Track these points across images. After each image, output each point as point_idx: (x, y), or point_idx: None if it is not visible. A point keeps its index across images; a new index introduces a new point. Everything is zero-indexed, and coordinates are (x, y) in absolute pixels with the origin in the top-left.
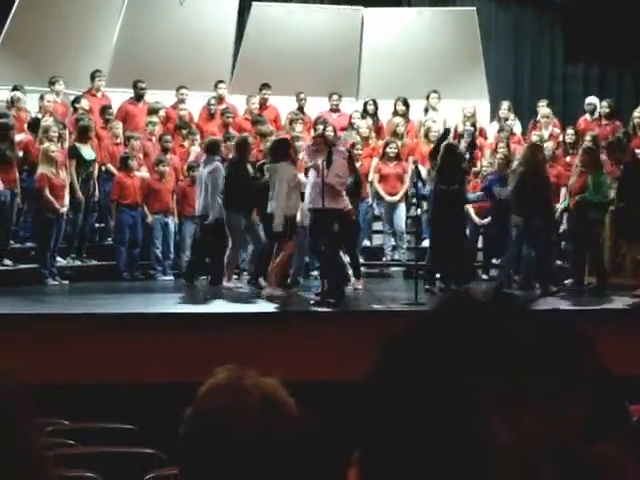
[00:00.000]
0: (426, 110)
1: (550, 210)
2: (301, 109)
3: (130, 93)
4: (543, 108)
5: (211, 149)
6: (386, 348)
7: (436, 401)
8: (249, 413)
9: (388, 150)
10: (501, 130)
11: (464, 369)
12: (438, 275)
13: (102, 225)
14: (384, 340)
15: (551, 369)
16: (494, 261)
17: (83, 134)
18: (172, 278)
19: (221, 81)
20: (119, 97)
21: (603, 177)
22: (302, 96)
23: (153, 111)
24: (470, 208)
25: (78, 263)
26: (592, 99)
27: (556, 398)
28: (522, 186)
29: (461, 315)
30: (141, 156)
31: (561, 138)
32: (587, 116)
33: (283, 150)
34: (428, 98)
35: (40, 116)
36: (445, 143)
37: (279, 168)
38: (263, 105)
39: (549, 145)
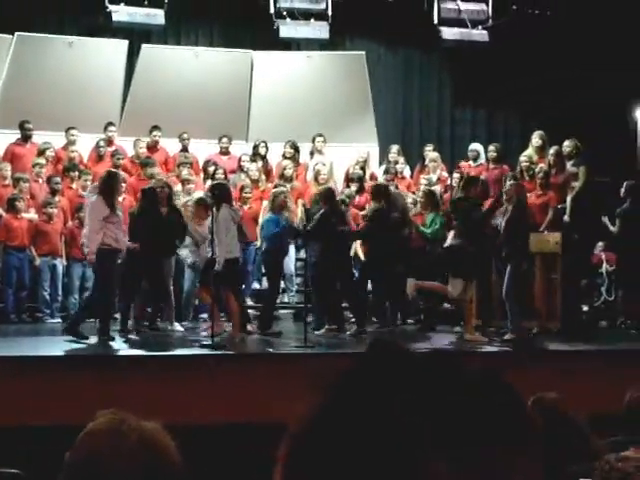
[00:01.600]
0: (312, 153)
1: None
2: (185, 149)
3: (17, 134)
4: (431, 152)
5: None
6: (325, 393)
7: (383, 439)
8: (128, 457)
9: None
10: (387, 172)
11: (406, 411)
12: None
13: None
14: (318, 384)
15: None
16: None
17: None
18: (60, 321)
19: (111, 123)
20: (6, 138)
21: (437, 216)
22: (185, 136)
23: (41, 152)
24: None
25: None
26: (475, 146)
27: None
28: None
29: (396, 362)
30: (28, 197)
31: (449, 182)
32: (470, 162)
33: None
34: (314, 141)
35: None
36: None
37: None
38: (154, 147)
39: (437, 189)
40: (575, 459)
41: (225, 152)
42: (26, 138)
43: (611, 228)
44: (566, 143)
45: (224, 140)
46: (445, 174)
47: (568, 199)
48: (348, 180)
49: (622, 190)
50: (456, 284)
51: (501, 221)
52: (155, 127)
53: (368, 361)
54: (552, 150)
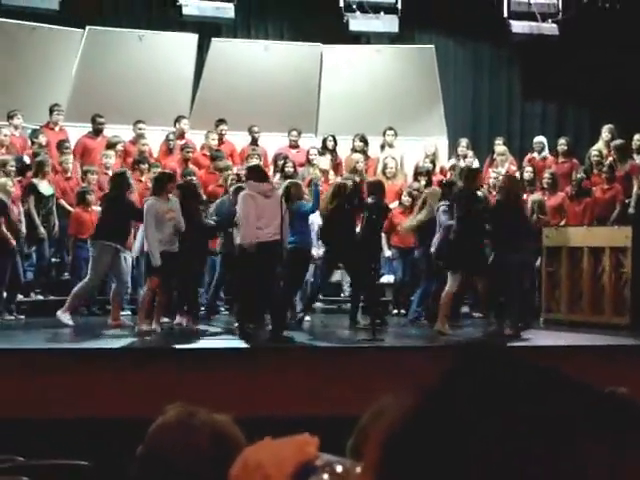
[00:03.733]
0: (382, 147)
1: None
2: (255, 142)
3: (88, 127)
4: (499, 146)
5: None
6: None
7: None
8: (199, 450)
9: None
10: (452, 169)
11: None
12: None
13: (58, 260)
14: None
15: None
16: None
17: (40, 169)
18: (129, 313)
19: (182, 116)
20: (77, 131)
21: None
22: (255, 129)
23: (110, 145)
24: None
25: (40, 298)
26: (540, 138)
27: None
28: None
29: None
30: (97, 190)
31: (518, 175)
32: (535, 154)
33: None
34: (384, 135)
35: None
36: None
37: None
38: (220, 140)
39: None
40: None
41: (294, 145)
42: (98, 132)
43: None
44: (637, 137)
45: (293, 133)
46: (514, 168)
47: (634, 192)
48: (417, 174)
49: None
50: (454, 278)
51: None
52: (221, 120)
53: (469, 362)
54: (616, 143)
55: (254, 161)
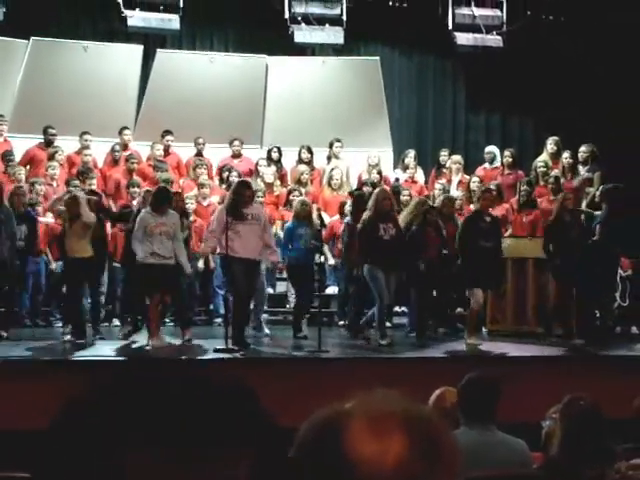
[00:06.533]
0: (329, 158)
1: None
2: (200, 154)
3: (33, 139)
4: (454, 155)
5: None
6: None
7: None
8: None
9: (292, 197)
10: (397, 180)
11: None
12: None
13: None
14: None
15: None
16: None
17: None
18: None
19: (126, 127)
20: (22, 142)
21: None
22: (200, 141)
23: (51, 156)
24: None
25: None
26: (491, 148)
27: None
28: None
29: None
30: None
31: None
32: (486, 165)
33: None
34: (331, 146)
35: None
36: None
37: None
38: (166, 152)
39: (458, 193)
40: (592, 462)
41: (237, 155)
42: (49, 143)
43: None
44: (582, 148)
45: (235, 143)
46: (467, 177)
47: (583, 205)
48: (362, 185)
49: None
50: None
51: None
52: (167, 132)
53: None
54: (566, 154)
55: (201, 172)
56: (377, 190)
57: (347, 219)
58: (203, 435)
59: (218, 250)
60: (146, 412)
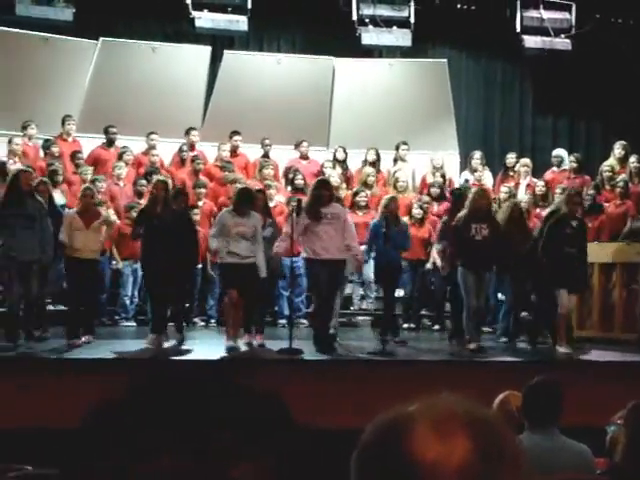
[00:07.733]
0: (395, 161)
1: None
2: (266, 155)
3: (100, 138)
4: (523, 159)
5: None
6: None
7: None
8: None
9: (358, 199)
10: (466, 181)
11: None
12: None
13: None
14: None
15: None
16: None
17: (52, 179)
18: (135, 324)
19: (193, 128)
20: (89, 142)
21: None
22: (267, 142)
23: (119, 156)
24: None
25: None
26: (559, 151)
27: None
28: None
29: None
30: (107, 200)
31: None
32: (554, 168)
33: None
34: (398, 149)
35: (6, 160)
36: None
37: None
38: (233, 152)
39: (525, 197)
40: None
41: (304, 157)
42: (110, 142)
43: None
44: None
45: (303, 144)
46: (535, 180)
47: None
48: (427, 187)
49: None
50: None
51: None
52: (235, 132)
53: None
54: (633, 158)
55: (268, 172)
56: (475, 189)
57: (444, 218)
58: (232, 436)
59: (303, 254)
60: (180, 413)
